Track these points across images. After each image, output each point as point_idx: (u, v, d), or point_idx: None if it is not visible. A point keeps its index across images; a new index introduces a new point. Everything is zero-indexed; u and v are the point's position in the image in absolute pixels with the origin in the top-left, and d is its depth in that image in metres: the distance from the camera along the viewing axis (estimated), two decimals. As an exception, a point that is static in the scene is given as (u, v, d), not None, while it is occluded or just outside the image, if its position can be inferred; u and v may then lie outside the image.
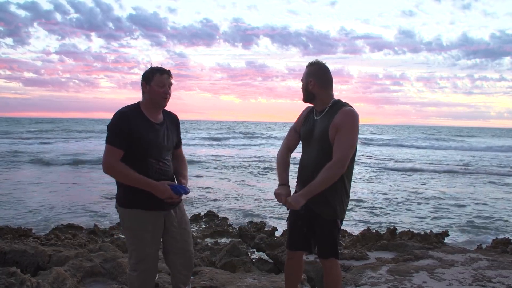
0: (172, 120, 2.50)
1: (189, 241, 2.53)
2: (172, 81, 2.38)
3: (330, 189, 2.39)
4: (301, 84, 2.56)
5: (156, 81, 2.29)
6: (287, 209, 2.52)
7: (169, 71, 2.36)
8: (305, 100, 2.57)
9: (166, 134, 2.40)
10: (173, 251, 2.47)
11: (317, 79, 2.46)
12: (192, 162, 17.33)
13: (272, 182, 13.14)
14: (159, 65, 2.37)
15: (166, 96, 2.32)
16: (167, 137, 2.39)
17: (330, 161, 2.31)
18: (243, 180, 13.38)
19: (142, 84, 2.34)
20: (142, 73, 2.38)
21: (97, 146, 26.78)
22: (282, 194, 2.44)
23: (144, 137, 2.26)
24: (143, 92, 2.35)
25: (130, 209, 2.33)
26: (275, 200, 2.58)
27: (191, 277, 2.80)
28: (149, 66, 2.38)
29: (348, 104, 2.45)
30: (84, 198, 9.88)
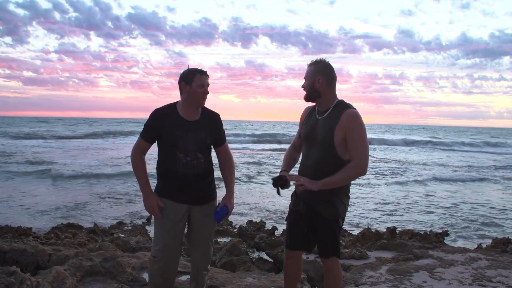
0: (211, 119, 2.60)
1: (207, 241, 2.66)
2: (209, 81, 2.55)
3: (332, 189, 2.39)
4: (302, 82, 2.52)
5: (197, 81, 2.44)
6: (291, 190, 2.49)
7: (206, 71, 2.51)
8: (308, 98, 2.52)
9: (197, 131, 2.50)
10: (193, 245, 2.65)
11: (325, 77, 2.43)
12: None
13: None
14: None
15: (206, 95, 2.49)
16: (197, 134, 2.49)
17: (353, 162, 2.32)
18: (243, 180, 13.38)
19: (181, 85, 2.48)
20: (180, 74, 2.50)
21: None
22: (294, 175, 2.45)
23: (172, 133, 2.45)
24: (182, 92, 2.49)
25: (159, 197, 2.53)
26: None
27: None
28: (188, 67, 2.52)
29: (351, 105, 2.43)
30: (84, 197, 9.88)
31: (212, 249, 2.72)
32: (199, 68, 2.50)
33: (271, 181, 2.55)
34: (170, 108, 2.52)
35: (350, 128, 2.32)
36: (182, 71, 2.52)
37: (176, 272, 2.66)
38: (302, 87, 2.53)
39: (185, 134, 2.46)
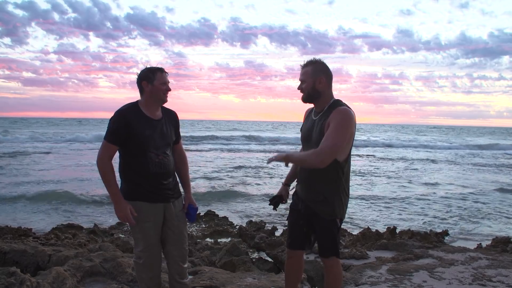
0: (171, 117, 2.65)
1: (185, 234, 2.66)
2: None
3: (329, 189, 2.39)
4: (300, 84, 2.47)
5: (159, 79, 2.46)
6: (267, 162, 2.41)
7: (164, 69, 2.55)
8: (308, 100, 2.48)
9: (164, 129, 2.53)
10: (170, 242, 2.60)
11: (326, 76, 2.41)
12: (196, 161, 17.32)
13: (272, 182, 13.14)
14: (157, 65, 2.53)
15: (168, 92, 2.50)
16: (165, 132, 2.53)
17: (316, 149, 2.26)
18: (243, 180, 13.38)
19: (143, 84, 2.47)
20: (139, 74, 2.51)
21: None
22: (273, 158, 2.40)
23: (142, 133, 2.41)
24: (144, 91, 2.48)
25: (133, 201, 2.47)
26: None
27: (191, 277, 2.83)
28: (146, 67, 2.52)
29: (346, 104, 2.41)
30: (84, 197, 9.87)
31: (187, 252, 2.71)
32: (158, 66, 2.51)
33: (268, 201, 2.78)
34: (134, 108, 2.47)
35: (332, 119, 2.29)
36: (139, 71, 2.51)
37: (160, 269, 2.65)
38: (299, 88, 2.48)
39: (154, 133, 2.45)
